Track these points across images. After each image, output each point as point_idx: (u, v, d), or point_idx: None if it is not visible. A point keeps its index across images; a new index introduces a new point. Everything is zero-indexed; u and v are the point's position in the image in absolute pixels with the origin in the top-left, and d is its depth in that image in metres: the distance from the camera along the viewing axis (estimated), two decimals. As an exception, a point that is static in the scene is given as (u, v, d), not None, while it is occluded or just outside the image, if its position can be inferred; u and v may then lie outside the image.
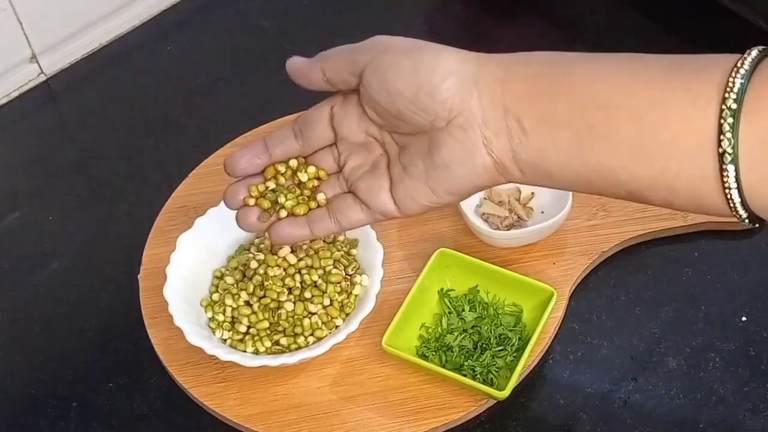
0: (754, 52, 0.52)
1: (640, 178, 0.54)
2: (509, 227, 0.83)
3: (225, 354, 0.73)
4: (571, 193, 0.80)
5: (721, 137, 0.50)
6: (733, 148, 0.50)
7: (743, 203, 0.52)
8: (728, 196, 0.52)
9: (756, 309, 0.79)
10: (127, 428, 0.76)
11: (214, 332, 0.76)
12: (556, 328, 0.78)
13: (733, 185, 0.51)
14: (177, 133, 0.96)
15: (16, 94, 1.00)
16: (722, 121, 0.50)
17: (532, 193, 0.85)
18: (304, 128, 0.65)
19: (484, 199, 0.85)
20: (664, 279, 0.82)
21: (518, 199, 0.84)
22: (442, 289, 0.80)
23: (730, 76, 0.51)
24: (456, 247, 0.81)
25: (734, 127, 0.50)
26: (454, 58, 0.58)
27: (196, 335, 0.73)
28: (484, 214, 0.84)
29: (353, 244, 0.80)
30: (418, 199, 0.61)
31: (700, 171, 0.52)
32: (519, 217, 0.84)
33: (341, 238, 0.80)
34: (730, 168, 0.51)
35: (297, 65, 0.63)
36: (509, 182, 0.59)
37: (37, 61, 1.00)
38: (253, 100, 0.99)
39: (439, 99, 0.57)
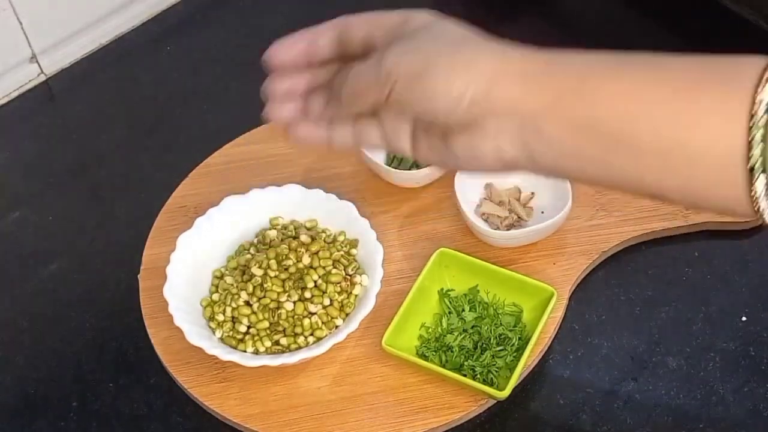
0: None
1: (664, 186, 0.54)
2: (509, 227, 0.83)
3: (225, 354, 0.73)
4: (571, 193, 0.80)
5: (750, 152, 0.50)
6: (762, 162, 0.50)
7: None
8: (756, 207, 0.52)
9: (756, 309, 0.79)
10: (127, 428, 0.76)
11: (214, 332, 0.76)
12: (556, 328, 0.78)
13: (762, 196, 0.51)
14: (177, 133, 0.96)
15: (16, 94, 1.00)
16: (750, 136, 0.50)
17: (532, 193, 0.85)
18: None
19: (484, 199, 0.85)
20: (664, 279, 0.82)
21: (518, 199, 0.84)
22: (442, 289, 0.80)
23: (757, 88, 0.50)
24: (456, 247, 0.81)
25: (765, 140, 0.50)
26: (464, 80, 0.56)
27: (196, 335, 0.74)
28: (484, 214, 0.84)
29: (353, 244, 0.80)
30: (434, 163, 0.61)
31: (726, 182, 0.52)
32: (519, 217, 0.84)
33: (341, 238, 0.80)
34: (759, 181, 0.51)
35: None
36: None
37: (37, 61, 1.00)
38: (253, 100, 0.98)
39: (453, 117, 0.57)
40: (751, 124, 0.50)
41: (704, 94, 0.52)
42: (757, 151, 0.50)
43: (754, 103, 0.50)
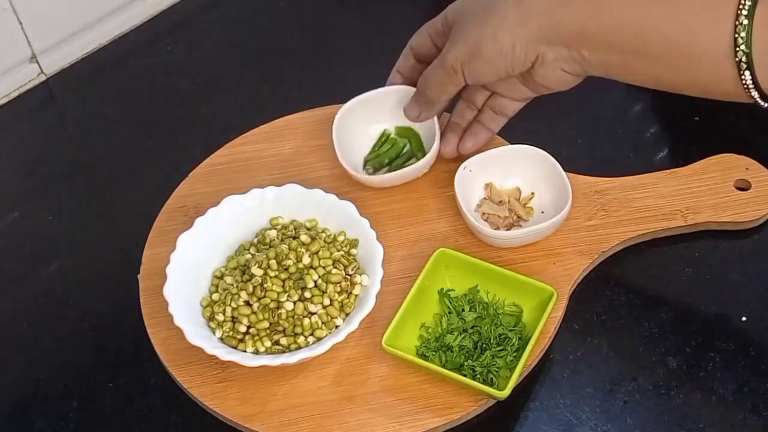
0: None
1: (677, 84, 0.71)
2: (509, 227, 0.83)
3: (225, 354, 0.73)
4: (570, 193, 0.80)
5: (737, 49, 0.65)
6: (747, 57, 0.65)
7: (762, 96, 0.67)
8: (749, 93, 0.67)
9: (756, 309, 0.79)
10: (127, 428, 0.76)
11: (214, 332, 0.76)
12: (556, 328, 0.78)
13: (751, 85, 0.66)
14: (177, 133, 0.96)
15: (16, 94, 1.00)
16: (737, 35, 0.65)
17: (532, 193, 0.85)
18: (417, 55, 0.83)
19: (484, 199, 0.85)
20: (664, 279, 0.82)
21: (518, 199, 0.84)
22: (442, 289, 0.80)
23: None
24: (456, 247, 0.81)
25: (747, 41, 0.64)
26: (507, 34, 0.72)
27: (196, 335, 0.74)
28: (484, 214, 0.84)
29: (353, 244, 0.80)
30: (534, 94, 0.80)
31: (724, 76, 0.67)
32: (519, 217, 0.84)
33: (341, 238, 0.80)
34: (746, 73, 0.66)
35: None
36: None
37: (37, 61, 1.00)
38: (253, 100, 0.99)
39: (518, 67, 0.74)
40: (736, 26, 0.65)
41: (698, 8, 0.67)
42: (741, 50, 0.65)
43: (738, 8, 0.65)
